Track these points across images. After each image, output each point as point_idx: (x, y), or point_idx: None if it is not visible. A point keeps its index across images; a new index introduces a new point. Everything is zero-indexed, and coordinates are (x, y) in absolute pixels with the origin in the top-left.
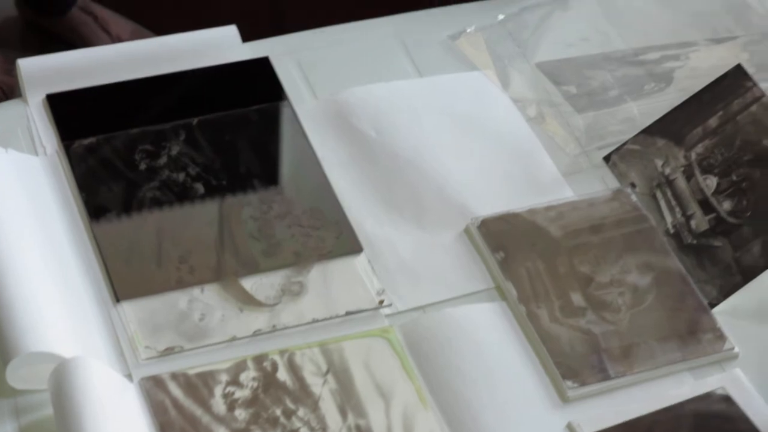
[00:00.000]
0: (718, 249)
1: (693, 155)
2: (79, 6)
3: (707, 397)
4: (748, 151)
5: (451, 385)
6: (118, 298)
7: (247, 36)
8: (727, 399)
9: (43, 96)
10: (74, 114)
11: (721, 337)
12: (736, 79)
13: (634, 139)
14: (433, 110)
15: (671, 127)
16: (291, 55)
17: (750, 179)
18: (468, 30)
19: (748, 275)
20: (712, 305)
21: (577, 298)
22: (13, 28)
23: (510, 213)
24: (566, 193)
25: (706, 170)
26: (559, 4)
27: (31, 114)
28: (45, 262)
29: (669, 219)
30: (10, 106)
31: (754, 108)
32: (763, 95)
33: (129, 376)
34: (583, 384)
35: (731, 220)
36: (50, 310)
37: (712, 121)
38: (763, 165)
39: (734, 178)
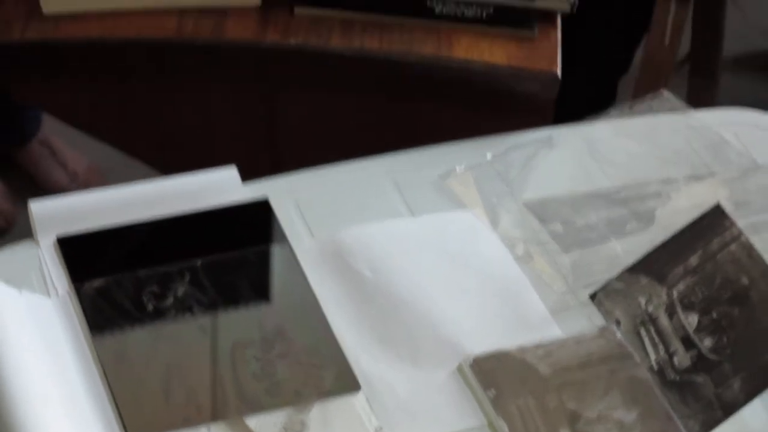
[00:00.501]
0: (700, 385)
1: (675, 293)
2: (38, 139)
3: None
4: (727, 290)
5: None
6: None
7: (244, 173)
8: None
9: (54, 238)
10: (84, 256)
11: None
12: (715, 218)
13: (619, 278)
14: (425, 249)
15: (654, 265)
16: (289, 195)
17: (729, 317)
18: (457, 169)
19: (729, 410)
20: None
21: None
22: None
23: (501, 351)
24: (554, 331)
25: (688, 308)
26: (545, 143)
27: (43, 256)
28: (57, 397)
29: (653, 356)
30: (23, 249)
31: (732, 247)
32: (741, 234)
33: None
34: None
35: (712, 357)
36: None
37: (693, 260)
38: (742, 303)
39: (714, 315)
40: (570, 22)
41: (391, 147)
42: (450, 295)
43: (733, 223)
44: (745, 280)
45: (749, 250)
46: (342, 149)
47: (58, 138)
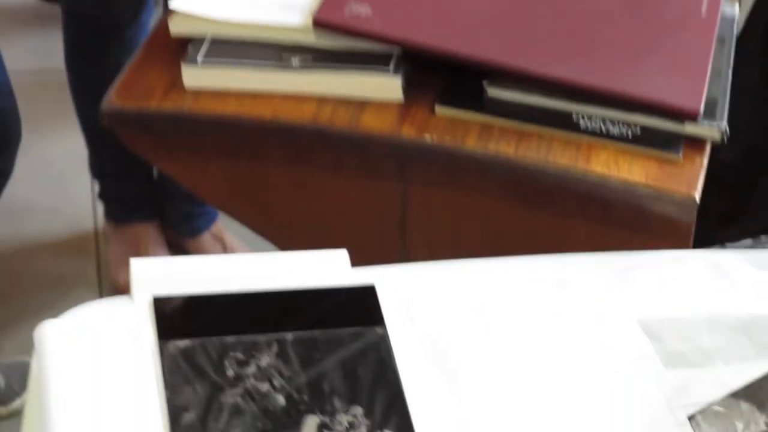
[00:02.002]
0: None
1: None
2: (211, 232)
3: None
4: None
5: None
6: None
7: (366, 253)
8: None
9: (150, 296)
10: (176, 317)
11: None
12: None
13: (721, 402)
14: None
15: (758, 393)
16: (398, 284)
17: None
18: None
19: None
20: None
21: None
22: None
23: None
24: None
25: None
26: (672, 262)
27: (136, 312)
28: None
29: None
30: (118, 303)
31: None
32: None
33: None
34: None
35: None
36: None
37: None
38: None
39: None
40: None
41: (515, 254)
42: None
43: None
44: None
45: None
46: (469, 254)
47: (231, 234)
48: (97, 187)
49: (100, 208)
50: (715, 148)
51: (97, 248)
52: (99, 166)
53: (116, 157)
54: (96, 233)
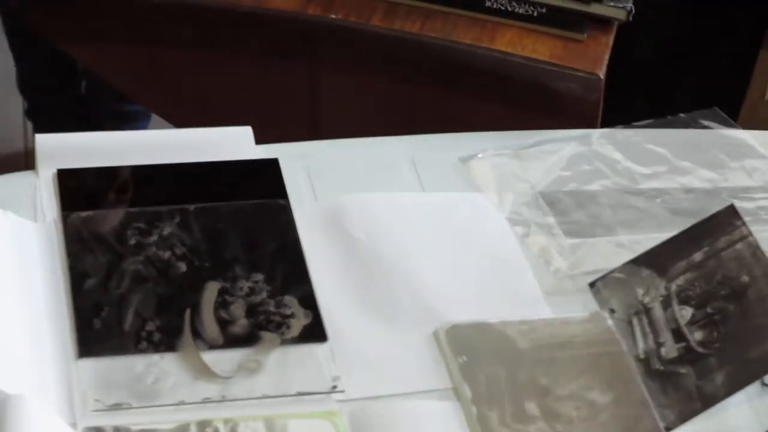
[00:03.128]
0: (683, 376)
1: (673, 286)
2: None
3: None
4: (726, 286)
5: None
6: (80, 354)
7: (275, 134)
8: None
9: (54, 170)
10: (79, 189)
11: None
12: (726, 217)
13: (621, 269)
14: (426, 221)
15: (657, 259)
16: (301, 161)
17: (724, 313)
18: (480, 155)
19: (708, 402)
20: (668, 429)
21: (530, 407)
22: None
23: (482, 322)
24: (544, 312)
25: (684, 301)
26: (577, 141)
27: (40, 185)
28: (15, 309)
29: (641, 345)
30: (21, 177)
31: (739, 246)
32: (749, 235)
33: (74, 425)
34: None
35: (700, 350)
36: (7, 349)
37: (697, 256)
38: (738, 300)
39: (709, 310)
40: None
41: (423, 133)
42: (442, 266)
43: (743, 223)
44: (745, 278)
45: (755, 249)
46: (373, 130)
47: None
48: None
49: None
50: (633, 47)
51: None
52: (26, 82)
53: (42, 71)
54: (26, 152)
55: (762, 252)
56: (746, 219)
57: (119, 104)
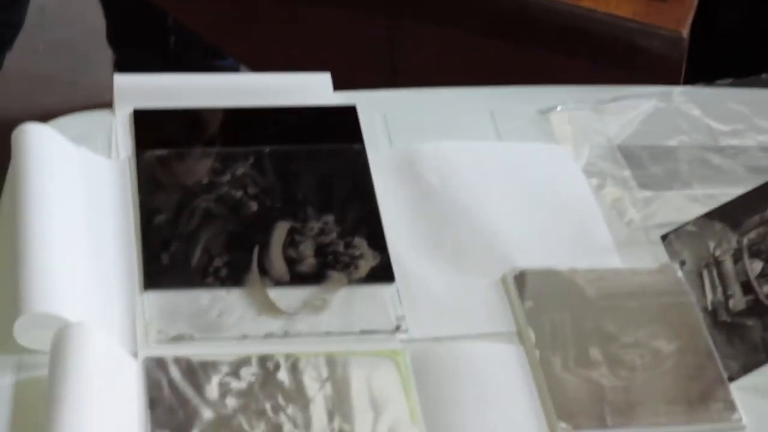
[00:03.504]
0: (750, 328)
1: (745, 240)
2: None
3: None
4: None
5: (446, 410)
6: (145, 286)
7: (356, 84)
8: None
9: (131, 109)
10: (155, 129)
11: (731, 408)
12: None
13: (694, 222)
14: (501, 170)
15: (731, 213)
16: (378, 108)
17: None
18: (559, 107)
19: None
20: (731, 379)
21: (594, 353)
22: None
23: (550, 269)
24: (614, 261)
25: (755, 255)
26: (658, 98)
27: (116, 124)
28: (82, 242)
29: (709, 296)
30: (98, 115)
31: None
32: None
33: (135, 354)
34: (577, 427)
35: None
36: (72, 279)
37: None
38: None
39: None
40: None
41: (502, 85)
42: (514, 213)
43: None
44: None
45: None
46: (453, 81)
47: None
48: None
49: None
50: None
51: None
52: (116, 35)
53: (132, 24)
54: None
55: None
56: None
57: (208, 60)
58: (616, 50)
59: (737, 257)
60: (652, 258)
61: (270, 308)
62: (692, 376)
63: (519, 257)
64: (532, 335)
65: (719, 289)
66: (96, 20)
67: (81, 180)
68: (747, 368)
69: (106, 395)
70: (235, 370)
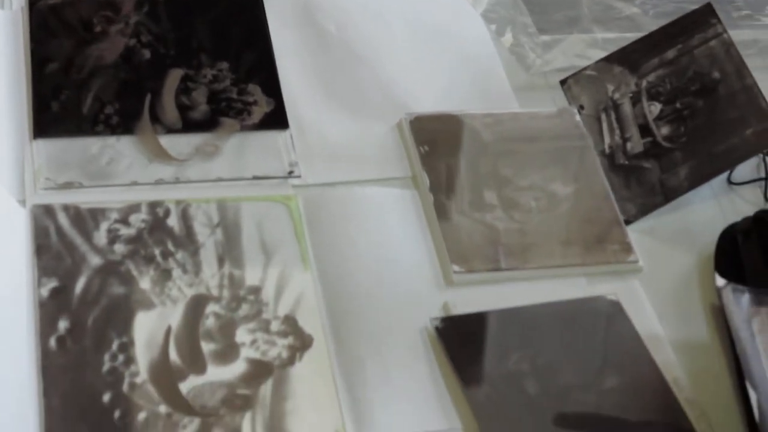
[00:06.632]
0: (647, 170)
1: (644, 83)
2: None
3: (595, 299)
4: (696, 82)
5: (339, 253)
6: (35, 135)
7: None
8: (615, 304)
9: None
10: None
11: (627, 249)
12: (703, 16)
13: (594, 66)
14: (400, 17)
15: (630, 56)
16: None
17: (692, 108)
18: None
19: (670, 196)
20: (629, 222)
21: (490, 196)
22: None
23: (446, 113)
24: (513, 106)
25: (653, 97)
26: None
27: None
28: None
29: (607, 140)
30: None
31: (712, 43)
32: (724, 32)
33: (23, 202)
34: (470, 270)
35: (666, 144)
36: None
37: (670, 53)
38: (708, 95)
39: (678, 105)
40: None
41: None
42: (412, 60)
43: (719, 21)
44: (716, 74)
45: (728, 46)
46: None
47: None
48: None
49: None
50: None
51: None
52: None
53: None
54: None
55: (736, 49)
56: None
57: None
58: None
59: (636, 100)
60: (550, 103)
61: (161, 155)
62: (589, 219)
63: (415, 103)
64: (426, 179)
65: (617, 132)
66: None
67: None
68: (644, 210)
69: None
70: (124, 217)
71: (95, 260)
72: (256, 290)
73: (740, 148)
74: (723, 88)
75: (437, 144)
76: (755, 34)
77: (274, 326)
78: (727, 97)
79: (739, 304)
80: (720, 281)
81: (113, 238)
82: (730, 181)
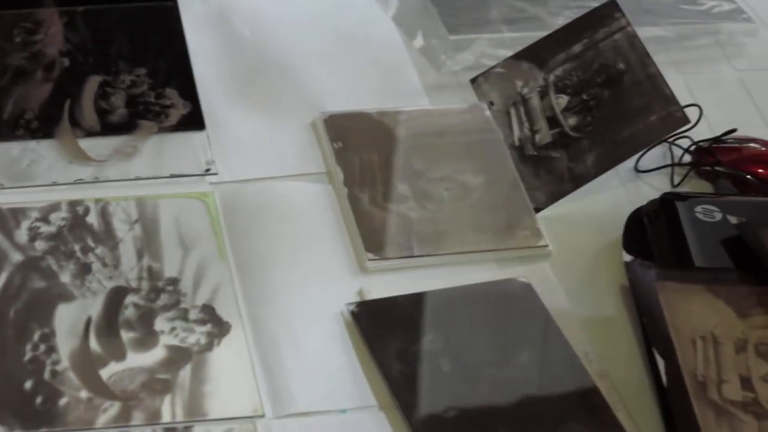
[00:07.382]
0: (555, 159)
1: (551, 77)
2: None
3: (507, 281)
4: (602, 74)
5: (256, 246)
6: None
7: None
8: (526, 286)
9: None
10: None
11: (537, 235)
12: (607, 10)
13: (502, 64)
14: (314, 23)
15: (538, 52)
16: None
17: (598, 98)
18: None
19: (578, 182)
20: (538, 209)
21: (402, 188)
22: None
23: (359, 112)
24: (423, 104)
25: (561, 90)
26: None
27: None
28: None
29: (517, 133)
30: None
31: (617, 36)
32: (628, 25)
33: None
34: (384, 258)
35: (573, 134)
36: None
37: (576, 48)
38: (613, 86)
39: (584, 96)
40: None
41: None
42: (325, 61)
43: (623, 15)
44: (621, 65)
45: (632, 38)
46: None
47: None
48: None
49: None
50: None
51: None
52: None
53: None
54: None
55: (639, 41)
56: None
57: None
58: None
59: (543, 93)
60: (461, 101)
61: (80, 156)
62: (499, 207)
63: (329, 102)
64: (340, 174)
65: (526, 125)
66: None
67: None
68: (553, 197)
69: None
70: (44, 216)
71: (16, 257)
72: (175, 281)
73: (645, 134)
74: (628, 78)
75: (351, 140)
76: None
77: (193, 314)
78: (632, 87)
79: (646, 277)
80: (627, 257)
81: (34, 235)
82: (637, 170)
